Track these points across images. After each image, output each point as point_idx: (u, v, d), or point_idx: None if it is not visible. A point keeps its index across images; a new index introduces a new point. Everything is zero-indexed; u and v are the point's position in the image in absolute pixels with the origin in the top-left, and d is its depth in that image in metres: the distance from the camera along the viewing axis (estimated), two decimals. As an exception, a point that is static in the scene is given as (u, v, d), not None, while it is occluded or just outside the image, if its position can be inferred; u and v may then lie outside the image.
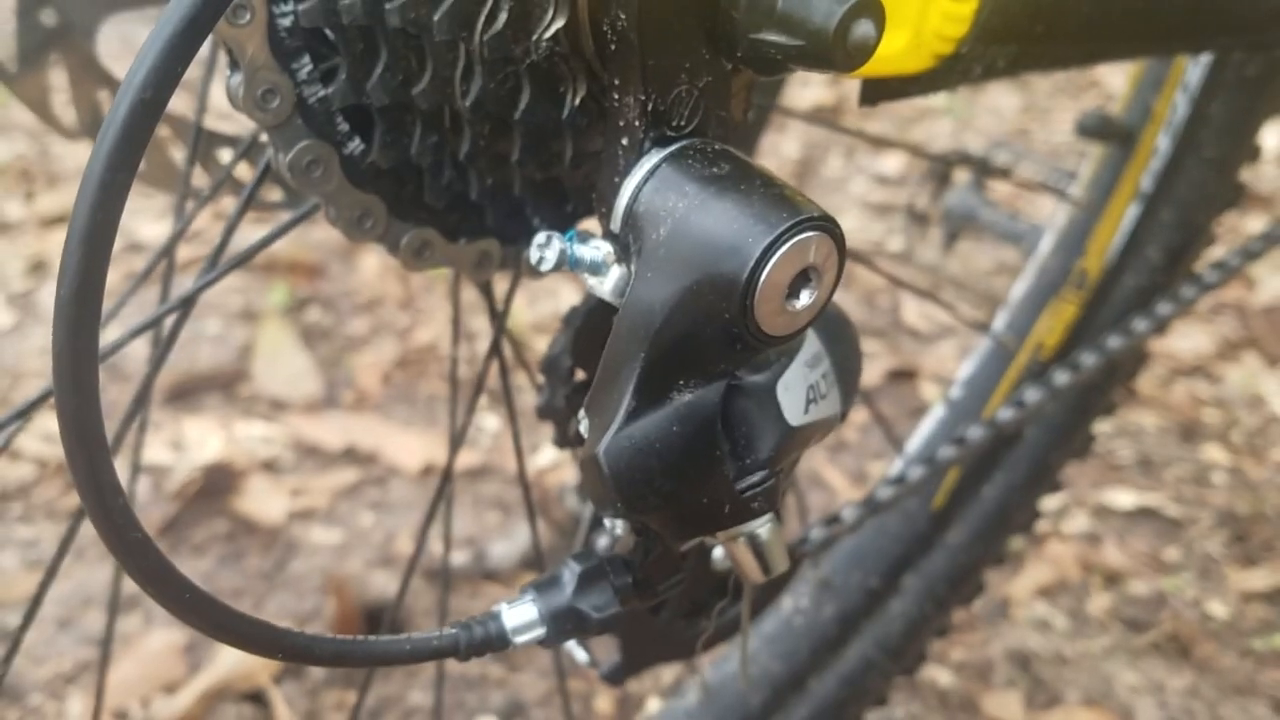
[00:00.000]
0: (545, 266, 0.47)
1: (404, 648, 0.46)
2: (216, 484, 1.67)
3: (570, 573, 0.50)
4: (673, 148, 0.46)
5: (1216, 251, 1.25)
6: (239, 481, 1.69)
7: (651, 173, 0.46)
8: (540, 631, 0.49)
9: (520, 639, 0.49)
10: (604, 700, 1.38)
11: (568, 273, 0.48)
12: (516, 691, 1.38)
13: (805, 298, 0.45)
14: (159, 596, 0.40)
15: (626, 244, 0.46)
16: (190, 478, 1.67)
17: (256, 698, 1.34)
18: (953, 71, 0.56)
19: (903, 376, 2.11)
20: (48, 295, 2.09)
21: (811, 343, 0.53)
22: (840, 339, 0.59)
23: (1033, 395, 1.02)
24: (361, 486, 1.72)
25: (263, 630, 0.42)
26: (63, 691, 1.32)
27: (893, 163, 3.06)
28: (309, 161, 0.51)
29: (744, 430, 0.47)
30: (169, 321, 0.59)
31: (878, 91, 0.59)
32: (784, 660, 1.11)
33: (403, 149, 0.52)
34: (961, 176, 1.89)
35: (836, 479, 1.81)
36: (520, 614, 0.49)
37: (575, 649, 0.84)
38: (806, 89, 3.50)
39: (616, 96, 0.46)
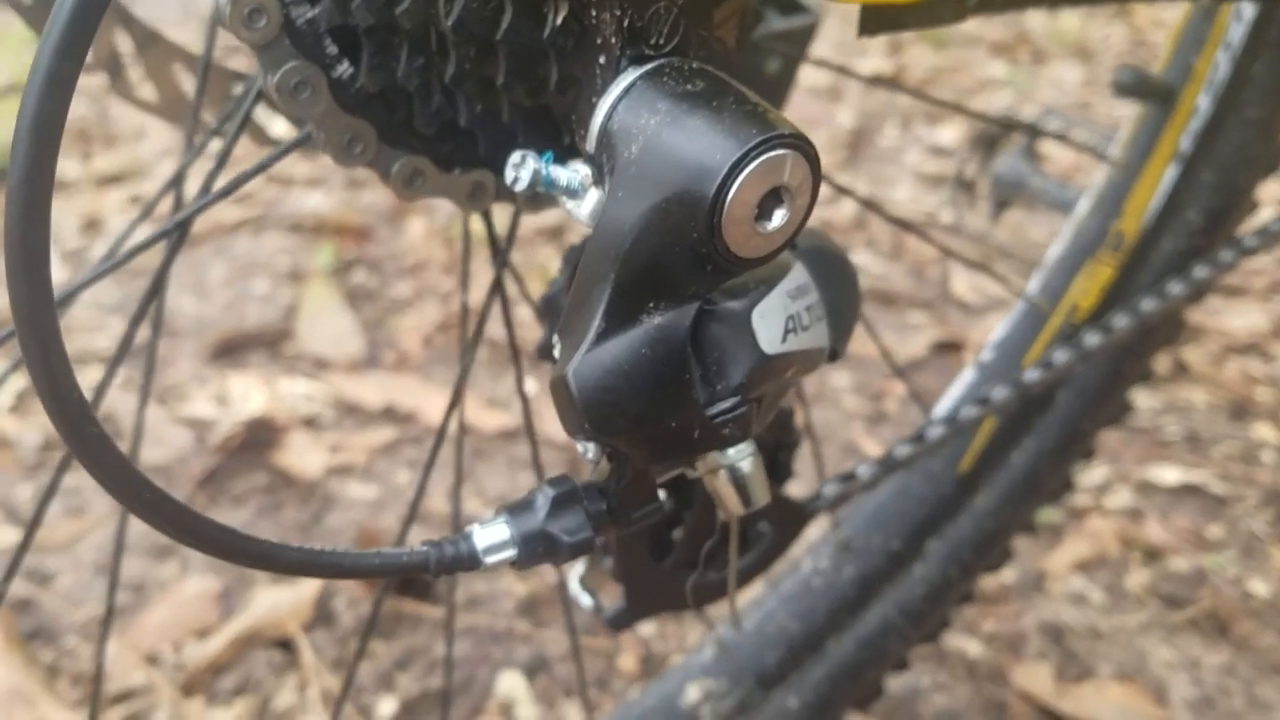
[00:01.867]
0: (519, 186, 0.47)
1: (372, 561, 0.46)
2: (258, 438, 1.70)
3: (544, 497, 0.50)
4: (649, 66, 0.46)
5: (1261, 218, 1.22)
6: (280, 436, 1.72)
7: (626, 91, 0.46)
8: (511, 553, 0.49)
9: (491, 559, 0.49)
10: (627, 658, 1.38)
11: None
12: (541, 647, 1.39)
13: (778, 219, 0.44)
14: (116, 493, 0.41)
15: (601, 165, 0.46)
16: (232, 431, 1.69)
17: (286, 644, 1.36)
18: (949, 1, 0.55)
19: (949, 348, 2.09)
20: (100, 252, 2.13)
21: (797, 274, 0.52)
22: (834, 276, 0.58)
23: (1060, 356, 1.01)
24: (399, 445, 1.74)
25: (222, 534, 0.43)
26: (97, 634, 1.35)
27: (949, 133, 3.02)
28: (296, 83, 0.51)
29: (716, 355, 0.47)
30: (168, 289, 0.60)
31: (876, 22, 0.58)
32: (801, 620, 1.10)
33: (389, 72, 0.52)
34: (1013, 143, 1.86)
35: (874, 449, 1.80)
36: (492, 534, 0.49)
37: (580, 594, 0.85)
38: (866, 59, 3.47)
39: (594, 13, 0.45)
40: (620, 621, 0.81)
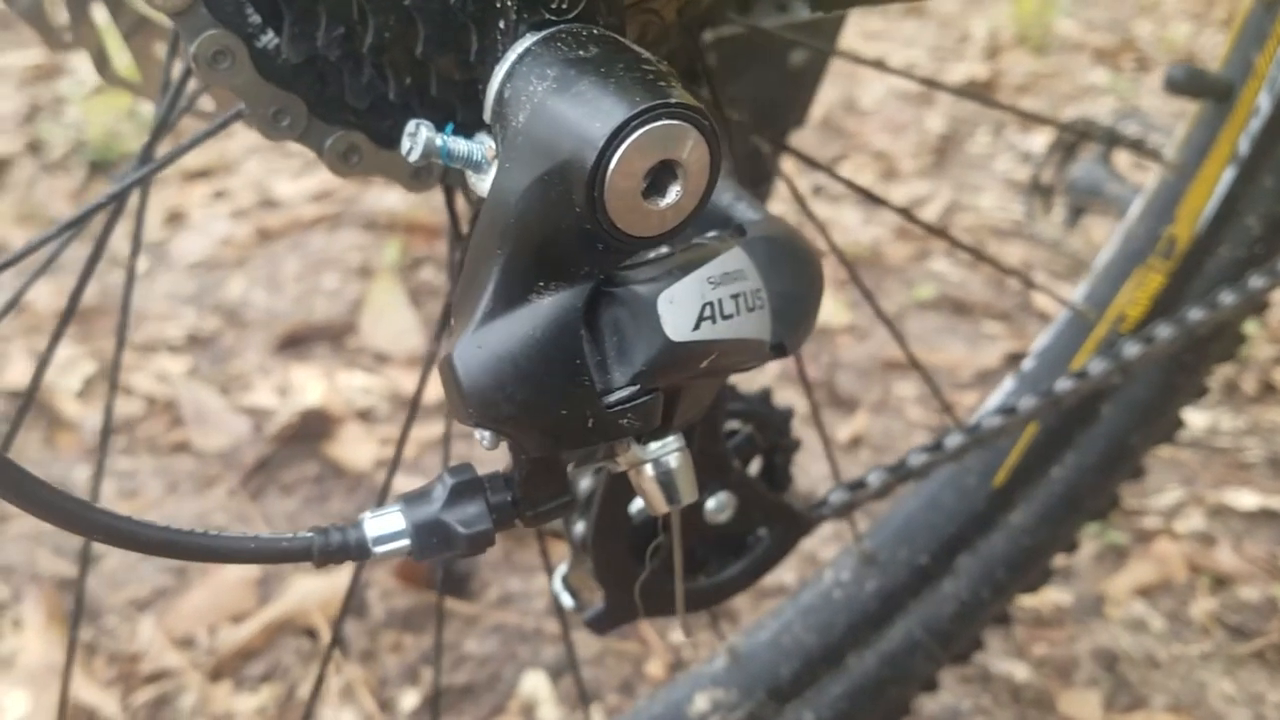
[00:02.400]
0: (412, 157, 0.45)
1: (246, 546, 0.45)
2: (312, 429, 1.71)
3: (442, 486, 0.47)
4: (545, 32, 0.43)
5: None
6: (334, 428, 1.73)
7: (521, 58, 0.43)
8: (405, 543, 0.47)
9: (382, 549, 0.47)
10: (655, 664, 1.35)
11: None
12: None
13: (672, 196, 0.41)
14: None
15: (497, 135, 0.44)
16: (289, 421, 1.71)
17: (315, 634, 1.37)
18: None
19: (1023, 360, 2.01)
20: (179, 246, 2.19)
21: (728, 260, 0.49)
22: (788, 267, 0.54)
23: (1095, 367, 0.95)
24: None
25: (79, 508, 0.41)
26: (136, 616, 1.38)
27: (1041, 140, 2.92)
28: (215, 52, 0.50)
29: (615, 341, 0.44)
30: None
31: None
32: (818, 633, 1.06)
33: (312, 41, 0.50)
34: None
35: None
36: (385, 523, 0.47)
37: (561, 593, 0.82)
38: (961, 63, 3.37)
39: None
40: (599, 624, 0.79)
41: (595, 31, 0.43)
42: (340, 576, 1.42)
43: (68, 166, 2.32)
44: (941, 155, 2.87)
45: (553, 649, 1.36)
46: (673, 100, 0.39)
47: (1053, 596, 1.50)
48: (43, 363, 0.69)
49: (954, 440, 0.91)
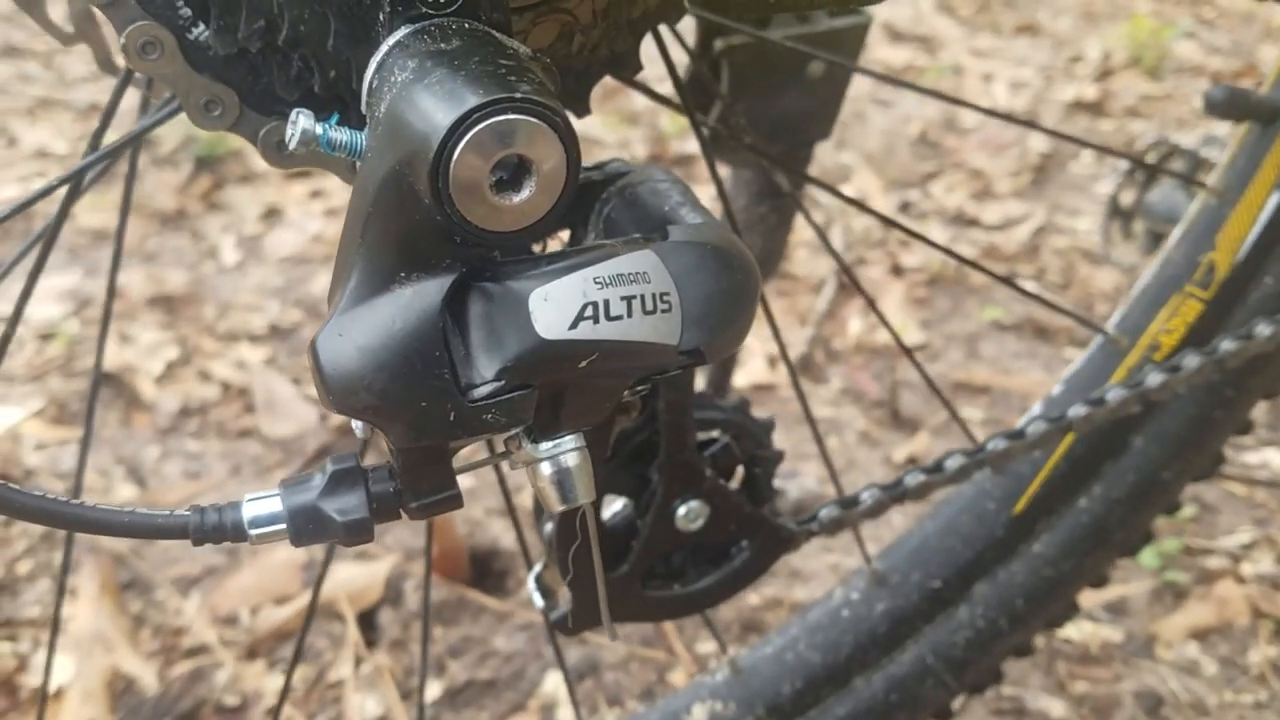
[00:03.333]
0: (291, 145, 0.45)
1: (120, 519, 0.45)
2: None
3: (322, 473, 0.48)
4: (418, 25, 0.43)
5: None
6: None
7: (392, 49, 0.43)
8: (282, 527, 0.47)
9: (258, 532, 0.47)
10: (679, 674, 1.34)
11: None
12: (595, 651, 1.36)
13: (525, 192, 0.41)
14: None
15: (369, 124, 0.44)
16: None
17: (358, 619, 1.39)
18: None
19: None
20: (273, 240, 2.25)
21: (626, 261, 0.48)
22: (708, 272, 0.53)
23: (1114, 395, 0.91)
24: (507, 439, 1.75)
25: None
26: (187, 590, 1.42)
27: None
28: (144, 43, 0.51)
29: (483, 335, 0.44)
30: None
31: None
32: (822, 651, 1.04)
33: (235, 34, 0.51)
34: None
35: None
36: (261, 507, 0.47)
37: (534, 592, 0.82)
38: (1070, 84, 3.27)
39: (376, -31, 0.43)
40: (567, 625, 0.78)
41: (465, 26, 0.43)
42: (379, 566, 1.44)
43: (176, 161, 2.42)
44: (1041, 176, 2.79)
45: (578, 651, 1.36)
46: (517, 95, 0.39)
47: (1102, 633, 1.43)
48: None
49: (954, 462, 0.88)
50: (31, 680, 1.29)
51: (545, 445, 0.49)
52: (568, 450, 0.50)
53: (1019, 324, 2.12)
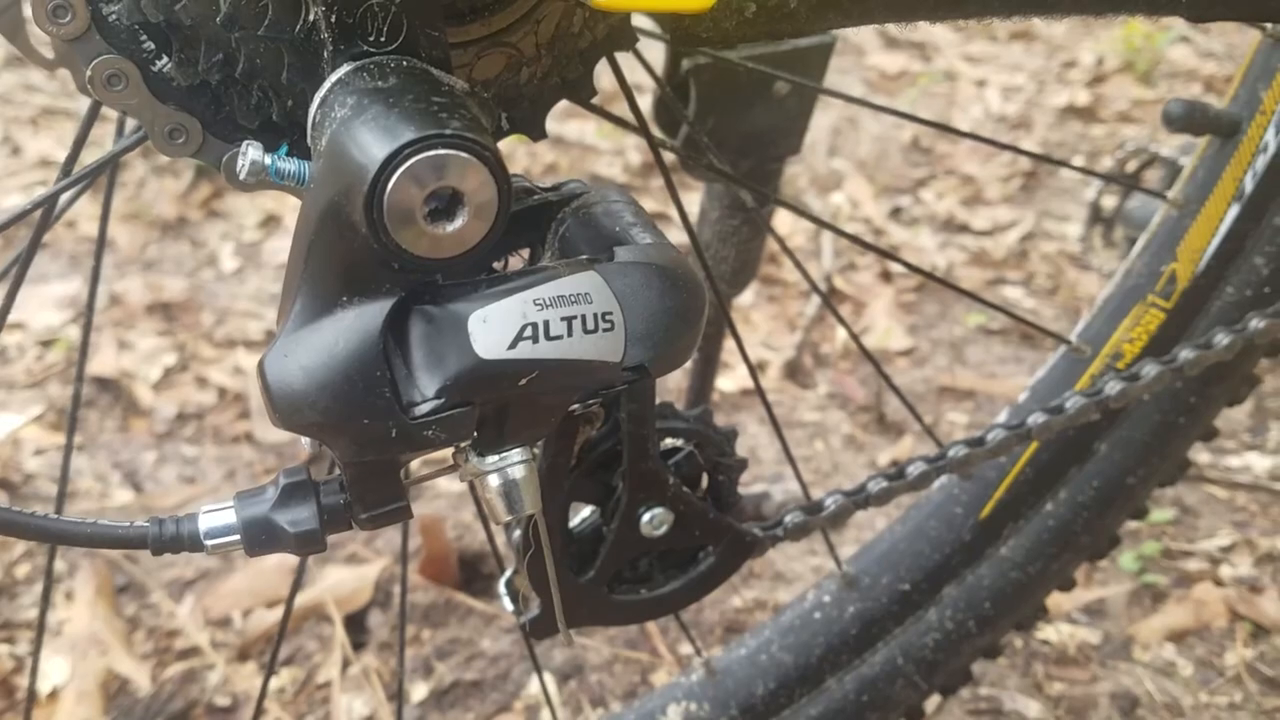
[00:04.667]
0: (241, 175, 0.47)
1: (83, 530, 0.48)
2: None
3: (275, 486, 0.50)
4: (358, 63, 0.45)
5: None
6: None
7: (333, 86, 0.45)
8: (235, 538, 0.49)
9: (214, 543, 0.49)
10: (662, 674, 1.36)
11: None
12: (580, 654, 1.38)
13: (459, 221, 0.43)
14: None
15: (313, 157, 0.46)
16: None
17: (348, 621, 1.41)
18: (744, 15, 0.51)
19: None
20: (270, 248, 2.28)
21: (568, 283, 0.50)
22: (652, 291, 0.55)
23: (1073, 402, 0.93)
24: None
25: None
26: (180, 594, 1.44)
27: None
28: (109, 75, 0.53)
29: (424, 355, 0.46)
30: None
31: (683, 40, 0.55)
32: (794, 653, 1.06)
33: (195, 66, 0.53)
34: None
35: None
36: (217, 518, 0.49)
37: (504, 597, 0.84)
38: (1063, 88, 3.28)
39: (310, 10, 0.45)
40: (536, 630, 0.80)
41: (403, 63, 0.45)
42: (369, 569, 1.46)
43: (175, 170, 2.44)
44: (1031, 182, 2.80)
45: (562, 653, 1.38)
46: (447, 131, 0.41)
47: (1079, 634, 1.45)
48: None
49: (916, 468, 0.90)
50: (27, 681, 1.31)
51: (491, 459, 0.51)
52: (513, 463, 0.52)
53: (1005, 329, 2.14)
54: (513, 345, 0.47)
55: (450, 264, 0.44)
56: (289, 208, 2.44)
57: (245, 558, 1.47)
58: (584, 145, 2.70)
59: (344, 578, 1.45)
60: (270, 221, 2.38)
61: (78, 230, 2.24)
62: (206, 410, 1.78)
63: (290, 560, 1.49)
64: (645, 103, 0.87)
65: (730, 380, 1.93)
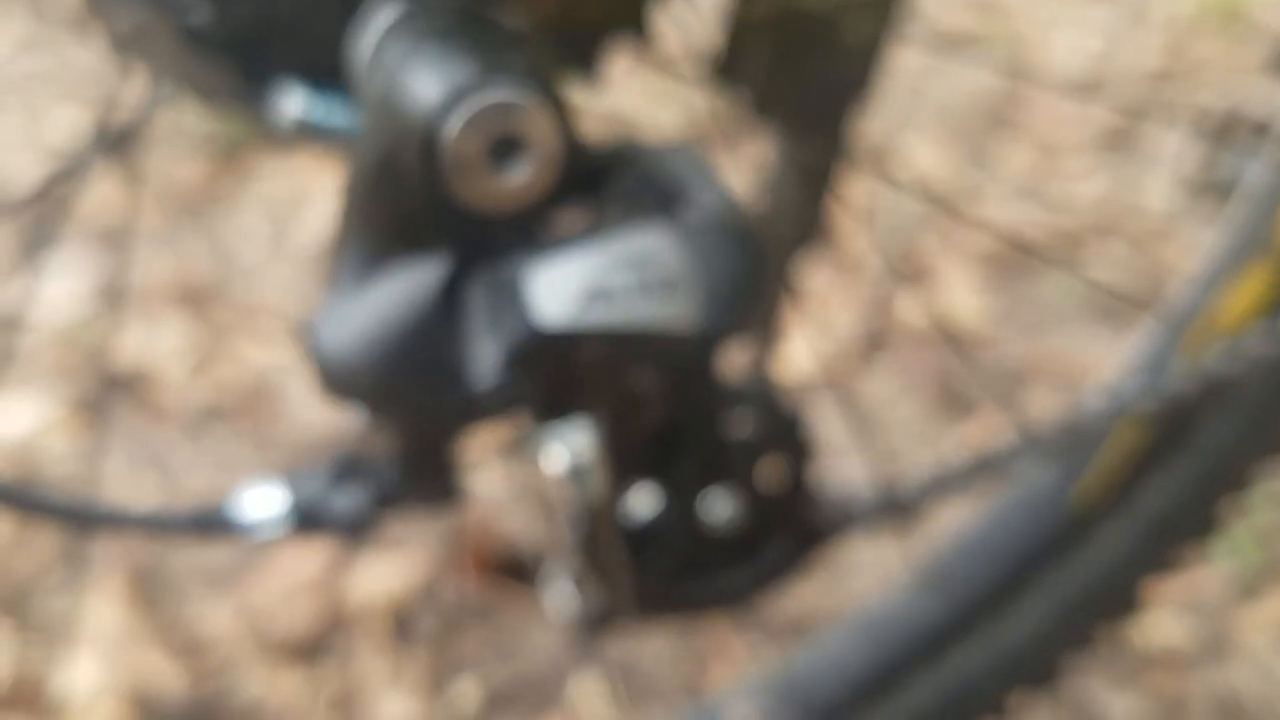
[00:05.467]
0: (284, 128, 0.46)
1: (129, 515, 0.47)
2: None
3: (327, 466, 0.49)
4: (408, 5, 0.44)
5: None
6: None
7: (383, 31, 0.44)
8: (284, 519, 0.48)
9: (261, 524, 0.48)
10: (718, 672, 1.35)
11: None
12: (631, 651, 1.37)
13: (521, 170, 0.41)
14: None
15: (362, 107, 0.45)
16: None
17: (390, 617, 1.41)
18: None
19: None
20: (301, 229, 2.28)
21: (635, 243, 0.49)
22: (723, 252, 0.54)
23: (1175, 379, 0.90)
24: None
25: None
26: (213, 590, 1.45)
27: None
28: (143, 27, 0.52)
29: (481, 320, 0.45)
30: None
31: None
32: (869, 654, 1.04)
33: (233, 14, 0.52)
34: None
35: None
36: (266, 499, 0.48)
37: (559, 591, 0.83)
38: (1138, 50, 3.21)
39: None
40: (590, 623, 0.79)
41: (456, 2, 0.44)
42: (414, 563, 1.46)
43: (198, 149, 2.45)
44: (1111, 145, 2.75)
45: (614, 649, 1.37)
46: (508, 73, 0.40)
47: (1171, 629, 1.42)
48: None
49: (1002, 453, 0.88)
50: (56, 681, 1.32)
51: (555, 434, 0.50)
52: (579, 441, 0.50)
53: (1091, 302, 2.09)
54: (578, 311, 0.46)
55: (511, 219, 0.42)
56: (318, 188, 2.45)
57: (282, 552, 1.48)
58: (620, 115, 2.67)
59: (385, 571, 1.45)
60: (301, 201, 2.38)
61: (102, 218, 2.26)
62: (236, 396, 1.78)
63: (329, 554, 1.49)
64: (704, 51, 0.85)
65: (792, 357, 1.90)
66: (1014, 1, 3.50)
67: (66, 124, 2.55)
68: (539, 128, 0.40)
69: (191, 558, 1.49)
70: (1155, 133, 2.81)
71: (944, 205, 2.43)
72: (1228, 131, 1.63)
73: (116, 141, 0.62)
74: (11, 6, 3.07)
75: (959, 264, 2.18)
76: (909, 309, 2.04)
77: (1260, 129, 1.47)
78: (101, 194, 2.29)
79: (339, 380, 0.43)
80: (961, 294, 2.09)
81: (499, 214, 0.41)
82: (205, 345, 1.89)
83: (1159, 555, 1.06)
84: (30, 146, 2.49)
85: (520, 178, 0.41)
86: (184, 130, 2.49)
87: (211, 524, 0.48)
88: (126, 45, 0.52)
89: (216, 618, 1.40)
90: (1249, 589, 1.46)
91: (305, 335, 0.44)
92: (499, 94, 0.39)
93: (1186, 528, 1.05)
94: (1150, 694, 1.33)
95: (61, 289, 2.00)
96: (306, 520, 0.48)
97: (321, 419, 1.75)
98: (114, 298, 2.00)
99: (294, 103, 0.45)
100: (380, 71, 0.43)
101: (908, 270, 2.17)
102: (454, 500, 0.50)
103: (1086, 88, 3.02)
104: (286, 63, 0.55)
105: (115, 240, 2.18)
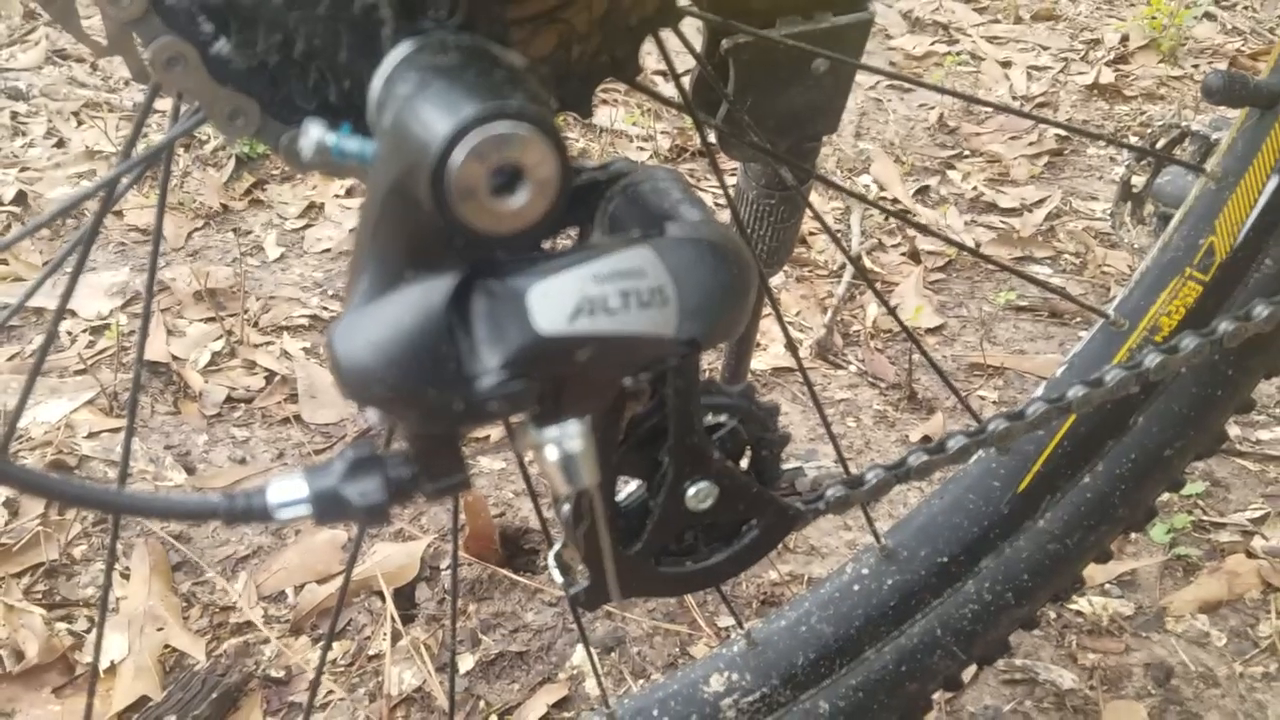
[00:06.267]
0: (304, 155, 0.47)
1: (159, 503, 0.48)
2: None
3: (343, 459, 0.50)
4: (419, 40, 0.45)
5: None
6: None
7: (395, 63, 0.45)
8: (305, 509, 0.49)
9: (284, 514, 0.49)
10: (701, 647, 1.36)
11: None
12: (623, 627, 1.38)
13: (521, 196, 0.42)
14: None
15: (376, 135, 0.46)
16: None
17: (397, 595, 1.42)
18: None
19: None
20: (314, 234, 2.28)
21: (623, 257, 0.50)
22: (703, 266, 0.55)
23: (1112, 376, 0.92)
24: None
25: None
26: (234, 571, 1.45)
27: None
28: (169, 58, 0.53)
29: (486, 329, 0.46)
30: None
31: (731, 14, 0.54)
32: (833, 624, 1.05)
33: (254, 48, 0.53)
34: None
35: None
36: (288, 490, 0.49)
37: (553, 569, 0.84)
38: (1088, 69, 3.23)
39: (373, -11, 0.45)
40: (586, 601, 0.80)
41: (464, 40, 0.45)
42: (417, 545, 1.47)
43: (218, 161, 2.45)
44: (1058, 160, 2.77)
45: (604, 626, 1.38)
46: (511, 106, 0.41)
47: (1113, 606, 1.44)
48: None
49: (955, 442, 0.89)
50: (87, 657, 1.33)
51: (550, 431, 0.51)
52: (572, 435, 0.51)
53: (1034, 307, 2.11)
54: (571, 319, 0.47)
55: (512, 239, 0.44)
56: (330, 197, 2.45)
57: (296, 536, 1.48)
58: (614, 131, 2.68)
59: (392, 553, 1.46)
60: (312, 210, 2.38)
61: (125, 220, 2.26)
62: (255, 393, 1.79)
63: (339, 537, 1.50)
64: (685, 83, 0.87)
65: (761, 359, 1.92)
66: (971, 22, 3.52)
67: (97, 138, 2.55)
68: (536, 156, 0.41)
69: (213, 541, 1.50)
70: (1101, 148, 2.83)
71: (902, 216, 2.45)
72: (1170, 148, 1.66)
73: (146, 160, 0.63)
74: (47, 28, 3.06)
75: (913, 273, 2.20)
76: (871, 311, 2.06)
77: (1201, 146, 1.49)
78: (124, 203, 2.29)
79: (356, 385, 0.45)
80: (915, 300, 2.11)
81: (500, 233, 0.43)
82: (223, 342, 1.90)
83: (1098, 539, 1.08)
84: (63, 161, 2.48)
85: (519, 201, 0.42)
86: (208, 146, 2.49)
87: (238, 513, 0.49)
88: (152, 73, 0.53)
89: (235, 595, 1.41)
90: (1186, 571, 1.49)
91: (327, 346, 0.45)
92: (500, 127, 0.40)
93: (1121, 516, 1.07)
94: (1093, 667, 1.35)
95: (94, 290, 2.00)
96: (327, 510, 0.49)
97: (332, 408, 1.76)
98: (142, 298, 2.01)
99: (313, 132, 0.46)
100: (392, 104, 0.44)
101: (870, 276, 2.18)
102: (461, 489, 0.51)
103: (1039, 105, 3.04)
104: (306, 93, 0.55)
105: (142, 246, 2.18)
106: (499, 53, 0.45)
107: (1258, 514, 1.59)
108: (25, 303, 0.65)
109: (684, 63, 0.88)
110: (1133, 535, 1.31)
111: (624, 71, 0.60)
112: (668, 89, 2.30)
